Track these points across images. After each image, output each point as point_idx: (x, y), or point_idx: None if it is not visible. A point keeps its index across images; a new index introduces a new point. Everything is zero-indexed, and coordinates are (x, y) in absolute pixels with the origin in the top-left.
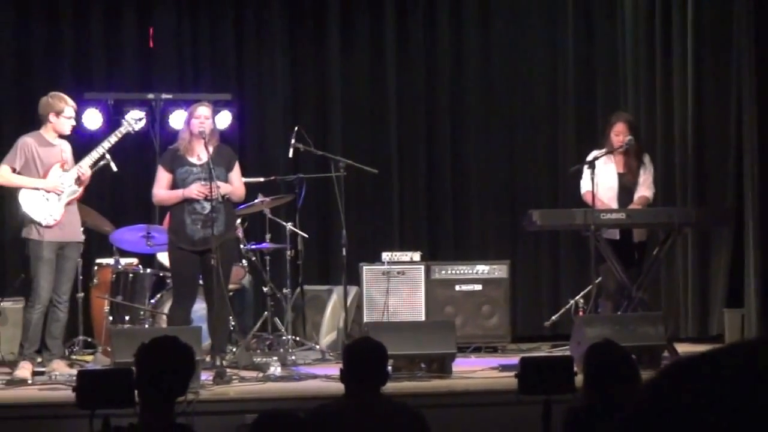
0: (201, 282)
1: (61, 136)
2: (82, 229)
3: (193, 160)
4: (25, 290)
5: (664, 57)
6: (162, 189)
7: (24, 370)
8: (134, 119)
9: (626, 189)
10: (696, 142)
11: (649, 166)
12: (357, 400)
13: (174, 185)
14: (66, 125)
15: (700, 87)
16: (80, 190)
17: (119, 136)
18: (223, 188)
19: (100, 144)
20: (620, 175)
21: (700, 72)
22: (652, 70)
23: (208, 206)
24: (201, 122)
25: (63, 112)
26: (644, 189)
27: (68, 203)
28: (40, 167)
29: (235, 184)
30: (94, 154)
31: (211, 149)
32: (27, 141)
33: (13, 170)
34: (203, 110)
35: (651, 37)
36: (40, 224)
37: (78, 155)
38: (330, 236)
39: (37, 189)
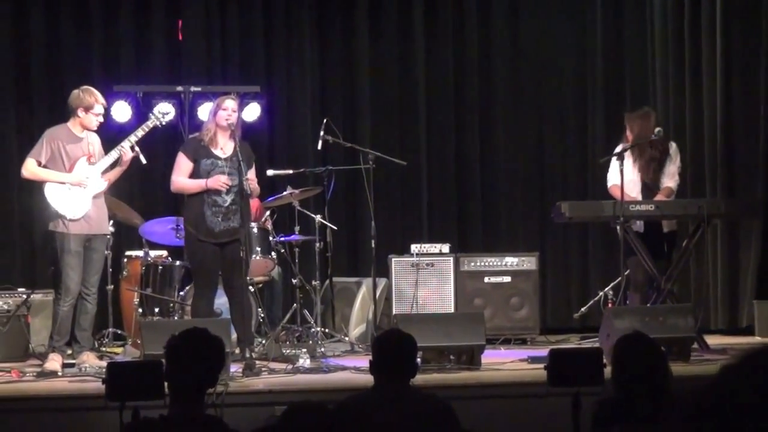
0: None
1: (88, 130)
2: (111, 222)
3: (217, 152)
4: (55, 283)
5: (692, 48)
6: (182, 177)
7: (54, 362)
8: (162, 113)
9: (651, 180)
10: (725, 134)
11: (676, 156)
12: (386, 391)
13: (196, 176)
14: (93, 121)
15: (729, 78)
16: (106, 183)
17: (146, 129)
18: (254, 184)
19: (127, 137)
20: (645, 167)
21: (729, 63)
22: (681, 60)
23: (228, 199)
24: (228, 115)
25: (92, 109)
26: (669, 180)
27: (94, 196)
28: (66, 160)
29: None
30: (126, 144)
31: (235, 142)
32: (53, 134)
33: (39, 163)
34: (230, 103)
35: (680, 27)
36: (65, 217)
37: (106, 148)
38: (359, 228)
39: (63, 183)
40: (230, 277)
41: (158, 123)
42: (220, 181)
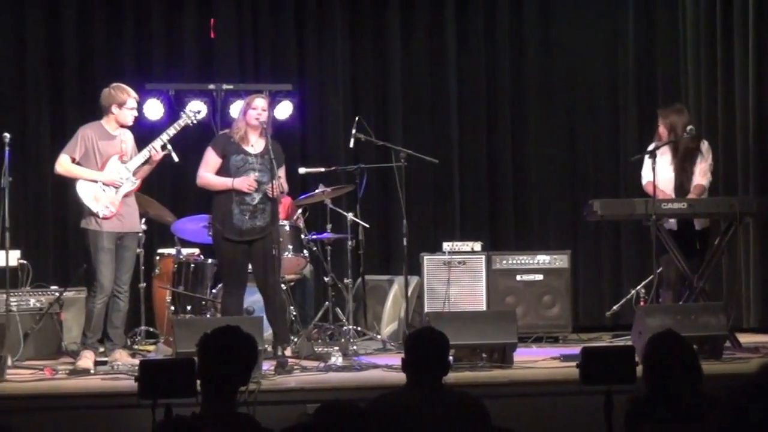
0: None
1: (123, 126)
2: (143, 219)
3: (248, 149)
4: (88, 280)
5: (725, 44)
6: (210, 172)
7: (86, 359)
8: (193, 111)
9: (683, 178)
10: (758, 131)
11: (707, 154)
12: (418, 390)
13: (225, 172)
14: (128, 116)
15: (762, 75)
16: (138, 182)
17: (178, 128)
18: (284, 185)
19: (159, 136)
20: (677, 164)
21: (761, 60)
22: (713, 57)
23: (257, 197)
24: (258, 114)
25: (125, 104)
26: (701, 177)
27: (126, 195)
28: (98, 158)
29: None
30: (158, 142)
31: (265, 140)
32: (87, 131)
33: (73, 160)
34: (260, 102)
35: (712, 24)
36: (98, 215)
37: (138, 146)
38: (391, 226)
39: (95, 181)
40: (262, 276)
41: (190, 122)
42: (246, 183)
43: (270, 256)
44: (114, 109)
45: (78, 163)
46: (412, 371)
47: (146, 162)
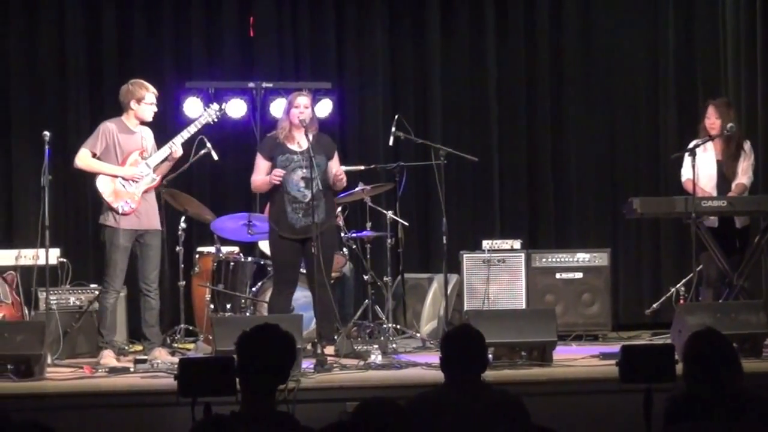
0: (303, 270)
1: (143, 123)
2: (183, 218)
3: (293, 147)
4: (99, 276)
5: (765, 42)
6: (259, 176)
7: (108, 358)
8: (215, 110)
9: (725, 176)
10: None
11: (750, 153)
12: (457, 388)
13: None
14: (148, 112)
15: None
16: (158, 178)
17: (199, 126)
18: (339, 176)
19: (180, 133)
20: (719, 163)
21: None
22: (753, 54)
23: (309, 194)
24: (300, 111)
25: (144, 99)
26: (742, 176)
27: (145, 191)
28: (119, 154)
29: (336, 172)
30: (179, 140)
31: (311, 137)
32: (108, 127)
33: (93, 155)
34: (302, 99)
35: (752, 22)
36: (116, 211)
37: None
38: (430, 224)
39: (116, 176)
40: (312, 274)
41: (211, 120)
42: (275, 174)
43: (322, 253)
44: (133, 104)
45: (98, 158)
46: (450, 370)
47: (166, 158)
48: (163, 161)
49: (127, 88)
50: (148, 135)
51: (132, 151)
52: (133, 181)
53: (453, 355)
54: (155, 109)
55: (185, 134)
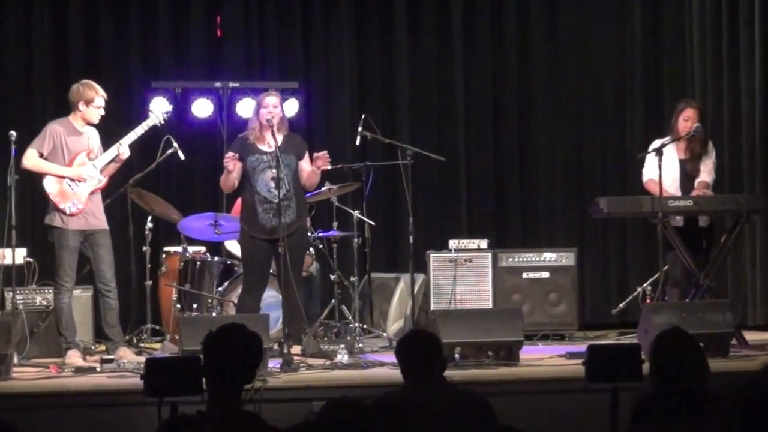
0: (273, 271)
1: (89, 124)
2: (149, 217)
3: (263, 147)
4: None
5: (731, 43)
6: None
7: (73, 358)
8: (162, 111)
9: (688, 176)
10: (764, 128)
11: (712, 152)
12: (423, 387)
13: (244, 173)
14: (95, 114)
15: (767, 72)
16: (105, 179)
17: (145, 128)
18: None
19: (127, 135)
20: (682, 162)
21: (767, 56)
22: (719, 55)
23: (278, 194)
24: (269, 111)
25: (93, 102)
26: (705, 174)
27: (92, 192)
28: (66, 154)
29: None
30: (124, 141)
31: (280, 138)
32: (55, 127)
33: (41, 155)
34: (271, 99)
35: (718, 21)
36: (64, 212)
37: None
38: (397, 224)
39: (63, 177)
40: (281, 272)
41: (158, 122)
42: (226, 158)
43: (291, 254)
44: (81, 105)
45: (46, 159)
46: (409, 376)
47: (113, 160)
48: (110, 162)
49: (77, 88)
50: (94, 136)
51: (79, 152)
52: (80, 181)
53: (409, 362)
54: (102, 112)
55: (132, 135)
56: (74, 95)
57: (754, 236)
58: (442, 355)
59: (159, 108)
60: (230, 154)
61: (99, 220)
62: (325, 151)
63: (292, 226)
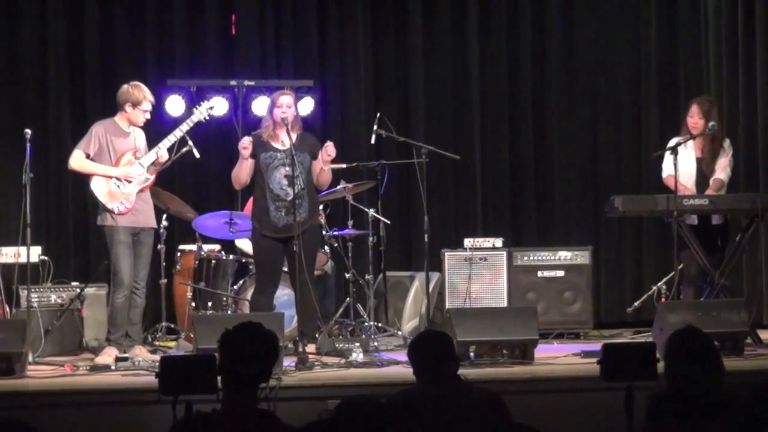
0: (286, 269)
1: (134, 125)
2: (164, 216)
3: (277, 145)
4: (108, 277)
5: (746, 41)
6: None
7: (106, 356)
8: (207, 108)
9: (705, 174)
10: None
11: (729, 150)
12: (437, 386)
13: (257, 170)
14: (140, 117)
15: None
16: (152, 177)
17: (191, 124)
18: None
19: (172, 132)
20: (699, 160)
21: None
22: (734, 54)
23: (291, 193)
24: (283, 111)
25: (140, 105)
26: (719, 172)
27: (140, 190)
28: (112, 154)
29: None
30: (171, 138)
31: (294, 136)
32: (100, 128)
33: (87, 156)
34: (285, 99)
35: (734, 21)
36: (113, 212)
37: (157, 142)
38: (412, 222)
39: (110, 177)
40: (295, 271)
41: (202, 118)
42: (242, 144)
43: (304, 252)
44: (128, 107)
45: (92, 159)
46: (421, 377)
47: (153, 162)
48: (151, 164)
49: (127, 89)
50: (140, 135)
51: (125, 151)
52: (127, 181)
53: (421, 363)
54: (148, 116)
55: (178, 133)
56: (122, 96)
57: None
58: (455, 355)
59: (204, 104)
60: (246, 138)
61: (148, 218)
62: (329, 142)
63: (305, 225)
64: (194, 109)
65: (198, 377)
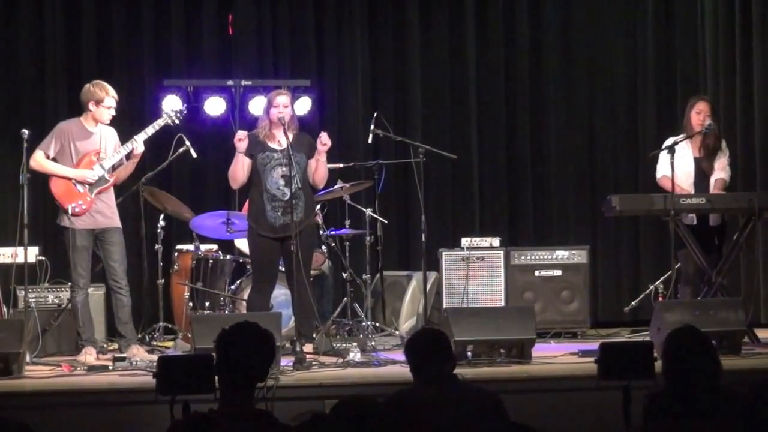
0: (282, 268)
1: (101, 124)
2: (162, 215)
3: (273, 145)
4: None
5: (743, 40)
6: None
7: (87, 355)
8: (174, 111)
9: (703, 173)
10: None
11: (726, 150)
12: (435, 385)
13: (254, 170)
14: (105, 114)
15: None
16: (112, 179)
17: (156, 128)
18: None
19: (136, 135)
20: (697, 160)
21: None
22: (731, 52)
23: (288, 193)
24: (280, 111)
25: (103, 102)
26: (721, 172)
27: (99, 192)
28: (74, 155)
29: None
30: (149, 131)
31: (291, 136)
32: (64, 128)
33: (48, 156)
34: (282, 99)
35: (731, 18)
36: (68, 212)
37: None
38: (409, 222)
39: (68, 178)
40: (291, 271)
41: (170, 121)
42: (237, 137)
43: (300, 252)
44: (91, 106)
45: (54, 159)
46: (418, 375)
47: (129, 155)
48: (122, 160)
49: (88, 88)
50: (109, 135)
51: (88, 152)
52: (85, 182)
53: (418, 361)
54: (113, 113)
55: (142, 135)
56: (85, 95)
57: (767, 234)
58: (451, 354)
59: (172, 107)
60: (242, 131)
61: (109, 219)
62: (323, 132)
63: (301, 225)
64: (163, 112)
65: (195, 377)
